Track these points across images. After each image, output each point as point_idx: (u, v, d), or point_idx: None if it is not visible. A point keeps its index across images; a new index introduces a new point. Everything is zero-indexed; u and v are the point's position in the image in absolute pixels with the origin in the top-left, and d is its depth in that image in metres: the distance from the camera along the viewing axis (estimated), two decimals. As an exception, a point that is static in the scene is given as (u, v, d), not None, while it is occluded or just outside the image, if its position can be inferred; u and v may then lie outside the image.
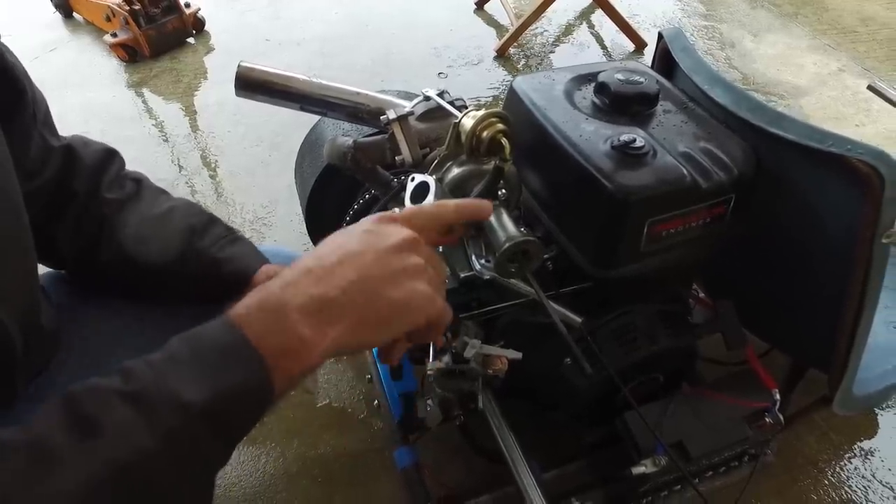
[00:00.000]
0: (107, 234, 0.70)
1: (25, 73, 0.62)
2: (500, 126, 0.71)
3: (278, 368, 0.43)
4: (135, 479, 0.39)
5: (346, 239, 0.49)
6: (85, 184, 0.71)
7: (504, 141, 0.71)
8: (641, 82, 0.87)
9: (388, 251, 0.48)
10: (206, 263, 0.71)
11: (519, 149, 0.77)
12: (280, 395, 0.45)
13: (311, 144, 1.28)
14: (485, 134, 0.71)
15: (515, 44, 2.39)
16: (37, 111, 0.65)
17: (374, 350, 1.11)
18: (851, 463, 1.19)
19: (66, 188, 0.70)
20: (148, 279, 0.72)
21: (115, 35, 2.32)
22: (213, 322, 0.44)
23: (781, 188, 0.86)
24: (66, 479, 0.37)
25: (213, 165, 1.92)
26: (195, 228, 0.73)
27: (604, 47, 2.46)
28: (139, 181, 0.76)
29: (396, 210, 0.55)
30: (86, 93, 2.22)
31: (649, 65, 1.04)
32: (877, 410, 1.27)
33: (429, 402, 0.90)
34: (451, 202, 0.58)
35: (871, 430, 1.24)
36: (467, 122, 0.72)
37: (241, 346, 0.42)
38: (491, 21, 2.61)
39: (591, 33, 2.54)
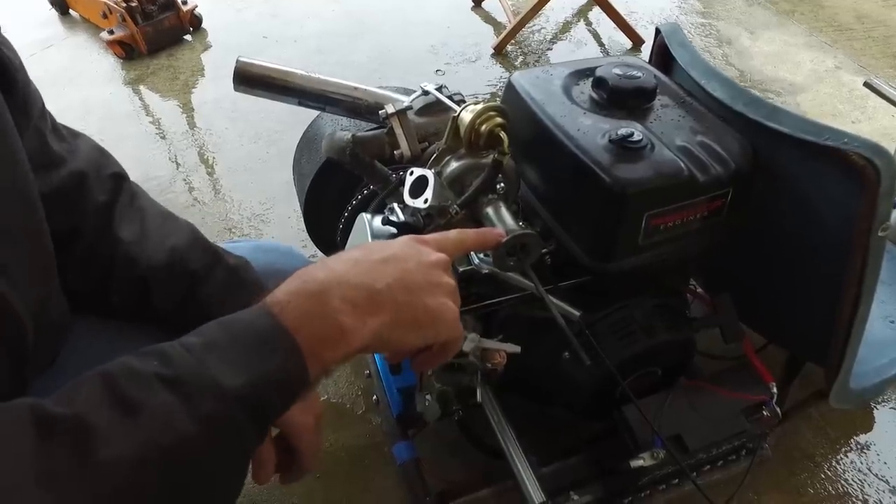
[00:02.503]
0: (115, 276, 0.68)
1: (21, 66, 0.61)
2: (499, 120, 0.72)
3: (314, 356, 0.44)
4: (175, 460, 0.40)
5: (389, 245, 0.52)
6: (95, 219, 0.68)
7: (502, 134, 0.71)
8: (639, 77, 0.88)
9: (428, 265, 0.51)
10: (204, 318, 0.70)
11: (517, 143, 0.77)
12: (315, 381, 0.46)
13: (308, 140, 1.28)
14: (483, 128, 0.72)
15: (513, 41, 2.39)
16: (29, 107, 0.62)
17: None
18: (848, 457, 1.19)
19: (75, 217, 0.67)
20: (157, 324, 0.70)
21: (111, 32, 2.31)
22: (252, 308, 0.45)
23: (778, 182, 0.87)
24: (110, 458, 0.38)
25: (210, 162, 1.91)
26: (197, 274, 0.70)
27: (601, 44, 2.46)
28: (144, 210, 0.73)
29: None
30: (82, 90, 2.21)
31: (648, 60, 1.05)
32: (873, 404, 1.27)
33: (427, 396, 0.90)
34: (472, 231, 0.62)
35: (867, 423, 1.25)
36: (466, 115, 0.72)
37: (279, 333, 0.44)
38: (488, 18, 2.61)
39: (589, 30, 2.54)
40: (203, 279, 0.71)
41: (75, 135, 0.72)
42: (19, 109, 0.62)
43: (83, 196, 0.68)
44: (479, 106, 0.72)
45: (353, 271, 0.48)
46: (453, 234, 0.59)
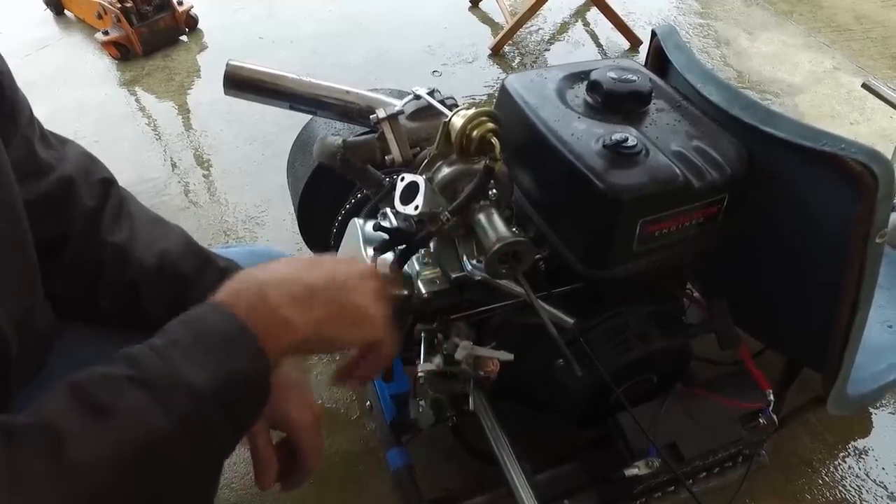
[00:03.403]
0: (104, 281, 0.68)
1: (8, 73, 0.60)
2: (490, 125, 0.70)
3: (267, 345, 0.47)
4: (149, 459, 0.41)
5: (327, 256, 0.58)
6: (83, 224, 0.67)
7: (494, 140, 0.70)
8: (634, 80, 0.87)
9: (363, 272, 0.57)
10: None
11: (510, 148, 0.76)
12: (272, 369, 0.48)
13: (302, 144, 1.27)
14: (475, 133, 0.70)
15: (510, 42, 2.37)
16: (17, 115, 0.62)
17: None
18: (846, 462, 1.18)
19: (63, 223, 0.66)
20: (147, 330, 0.71)
21: (106, 33, 2.30)
22: (206, 307, 0.48)
23: (775, 187, 0.86)
24: (82, 459, 0.39)
25: (205, 164, 1.90)
26: (187, 278, 0.70)
27: (599, 45, 2.45)
28: (133, 215, 0.72)
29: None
30: (77, 91, 2.20)
31: (644, 63, 1.04)
32: (871, 410, 1.27)
33: (421, 403, 0.89)
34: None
35: (865, 429, 1.24)
36: (457, 120, 0.71)
37: (238, 329, 0.46)
38: (485, 19, 2.60)
39: (586, 31, 2.53)
40: (194, 283, 0.70)
41: (63, 142, 0.71)
42: (6, 116, 0.61)
43: (71, 201, 0.67)
44: (471, 111, 0.71)
45: (288, 270, 0.52)
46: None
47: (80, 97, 2.17)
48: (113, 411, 0.41)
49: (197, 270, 0.71)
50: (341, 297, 0.53)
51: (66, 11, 2.61)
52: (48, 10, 2.62)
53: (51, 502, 0.38)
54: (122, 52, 2.32)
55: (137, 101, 2.17)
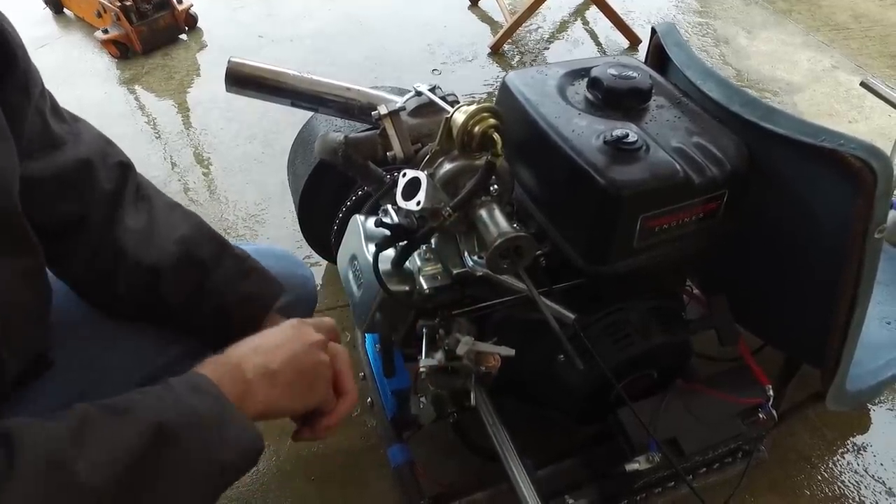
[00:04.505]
0: (124, 266, 0.68)
1: (21, 44, 0.60)
2: (492, 121, 0.71)
3: (243, 407, 0.58)
4: (162, 444, 0.49)
5: (281, 331, 0.65)
6: (103, 208, 0.68)
7: (495, 136, 0.70)
8: (634, 77, 0.87)
9: (312, 345, 0.64)
10: (217, 307, 0.71)
11: (511, 144, 0.76)
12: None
13: (303, 141, 1.27)
14: (476, 129, 0.71)
15: (510, 40, 2.38)
16: (31, 86, 0.61)
17: (367, 347, 1.11)
18: (844, 458, 1.19)
19: (82, 206, 0.67)
20: (164, 317, 0.71)
21: (106, 31, 2.30)
22: (198, 378, 0.57)
23: (774, 183, 0.86)
24: (112, 437, 0.47)
25: (205, 162, 1.90)
26: (206, 264, 0.70)
27: (598, 44, 2.45)
28: (151, 199, 0.72)
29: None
30: (77, 90, 2.20)
31: (644, 60, 1.04)
32: (869, 406, 1.27)
33: (422, 399, 0.90)
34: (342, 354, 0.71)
35: (863, 425, 1.24)
36: (459, 117, 0.71)
37: (221, 399, 0.56)
38: (485, 17, 2.60)
39: (586, 30, 2.53)
40: (212, 269, 0.71)
41: (75, 118, 0.71)
42: (20, 88, 0.60)
43: (90, 185, 0.67)
44: (472, 107, 0.71)
45: (257, 357, 0.61)
46: (328, 321, 0.72)
47: (79, 96, 2.17)
48: (132, 409, 0.49)
49: (215, 257, 0.71)
50: (299, 373, 0.62)
51: (65, 10, 2.61)
52: (47, 8, 2.62)
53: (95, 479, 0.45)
54: (121, 51, 2.31)
55: (137, 99, 2.17)
